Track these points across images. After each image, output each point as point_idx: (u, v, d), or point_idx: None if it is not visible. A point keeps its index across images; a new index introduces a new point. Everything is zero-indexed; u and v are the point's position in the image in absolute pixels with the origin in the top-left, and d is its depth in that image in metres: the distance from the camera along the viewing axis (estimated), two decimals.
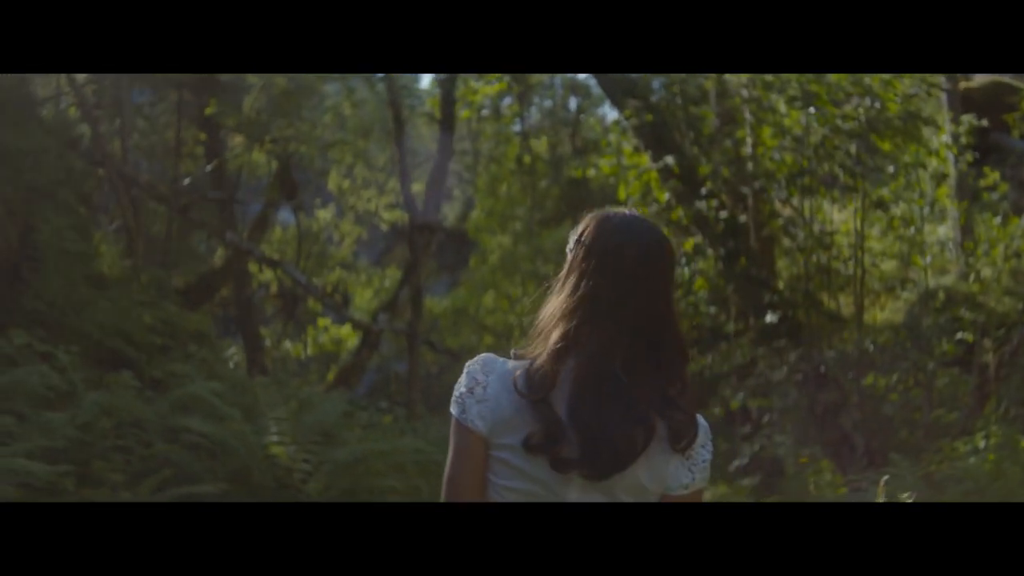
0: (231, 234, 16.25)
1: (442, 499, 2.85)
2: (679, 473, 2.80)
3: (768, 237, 16.99)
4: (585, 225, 2.98)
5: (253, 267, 20.71)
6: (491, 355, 2.90)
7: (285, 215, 23.19)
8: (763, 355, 15.76)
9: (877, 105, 14.48)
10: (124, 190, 14.36)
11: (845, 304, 16.63)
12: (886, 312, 17.69)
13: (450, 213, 30.95)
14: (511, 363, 2.85)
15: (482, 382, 2.82)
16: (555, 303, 2.96)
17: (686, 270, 17.24)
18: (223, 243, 17.80)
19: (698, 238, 17.17)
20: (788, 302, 15.90)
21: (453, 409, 2.83)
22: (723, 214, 16.07)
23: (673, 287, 2.92)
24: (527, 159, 22.83)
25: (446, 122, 17.55)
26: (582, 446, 2.66)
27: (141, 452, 9.52)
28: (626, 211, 2.98)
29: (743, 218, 16.38)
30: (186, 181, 17.51)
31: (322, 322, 24.89)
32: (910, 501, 4.78)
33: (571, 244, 3.01)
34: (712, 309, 17.68)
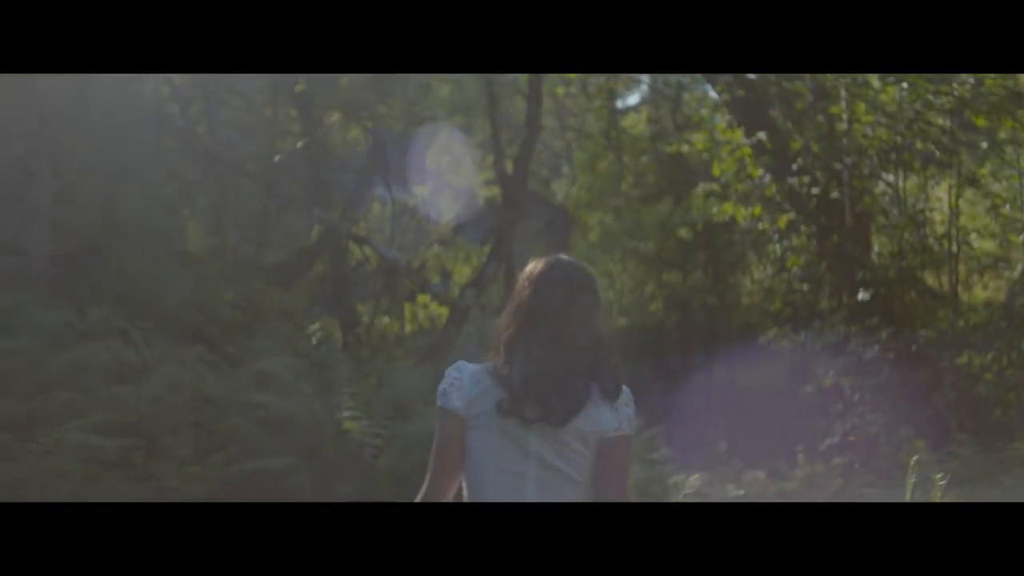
0: (319, 210, 16.28)
1: (429, 468, 3.71)
2: (609, 420, 3.67)
3: (863, 214, 16.63)
4: (532, 266, 3.85)
5: (351, 244, 20.74)
6: (462, 361, 3.83)
7: (384, 192, 23.17)
8: (855, 333, 15.45)
9: (972, 80, 14.08)
10: (212, 167, 14.44)
11: (940, 283, 16.26)
12: (988, 291, 17.29)
13: (559, 190, 30.80)
14: (477, 365, 3.78)
15: (459, 378, 3.74)
16: (504, 319, 3.82)
17: (777, 247, 16.96)
18: (314, 220, 17.83)
19: (792, 214, 16.85)
20: (881, 280, 15.56)
21: (439, 402, 3.72)
22: (815, 190, 15.73)
23: (597, 307, 3.85)
24: (614, 134, 22.56)
25: (533, 96, 17.37)
26: (540, 405, 3.60)
27: (212, 427, 9.57)
28: (562, 256, 3.94)
29: (835, 194, 16.02)
30: (276, 158, 17.57)
31: (422, 299, 24.87)
32: (942, 483, 4.60)
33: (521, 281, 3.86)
34: (805, 286, 17.36)
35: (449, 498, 3.73)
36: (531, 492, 3.60)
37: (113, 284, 11.58)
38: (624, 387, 3.74)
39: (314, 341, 12.57)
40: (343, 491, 9.32)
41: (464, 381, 3.70)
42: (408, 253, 24.85)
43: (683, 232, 24.92)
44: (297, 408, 9.83)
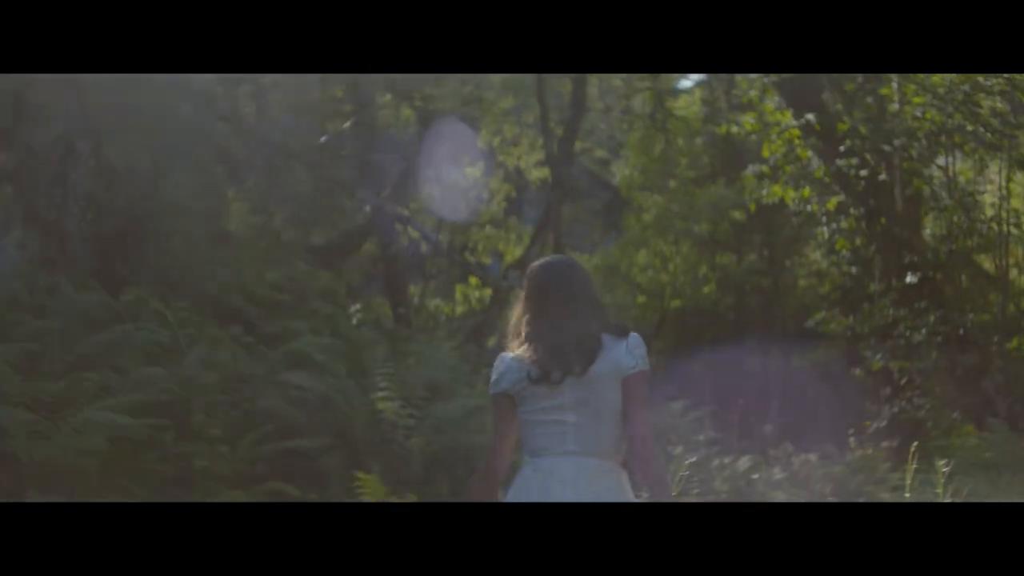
0: (363, 191, 16.29)
1: (491, 440, 4.61)
2: (626, 360, 4.41)
3: (912, 197, 16.41)
4: (531, 268, 4.76)
5: (400, 225, 20.76)
6: (502, 353, 4.60)
7: (434, 173, 23.16)
8: (904, 316, 15.27)
9: None
10: (257, 148, 14.48)
11: (990, 266, 16.02)
12: None
13: (618, 172, 30.65)
14: (507, 354, 4.58)
15: (505, 367, 4.54)
16: (517, 315, 4.67)
17: (824, 229, 16.80)
18: (362, 201, 17.86)
19: (841, 197, 16.68)
20: (930, 263, 15.35)
21: (491, 389, 4.58)
22: (863, 172, 15.54)
23: (589, 281, 4.70)
24: (660, 116, 22.39)
25: (579, 78, 17.29)
26: (562, 365, 4.39)
27: (245, 407, 9.60)
28: (550, 257, 4.88)
29: (884, 177, 15.81)
30: (323, 139, 17.60)
31: (474, 280, 24.85)
32: (945, 470, 4.55)
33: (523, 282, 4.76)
34: (854, 269, 17.17)
35: (508, 460, 4.64)
36: (571, 438, 4.39)
37: (153, 265, 11.66)
38: (632, 332, 4.57)
39: (354, 322, 12.57)
40: (372, 472, 9.32)
41: (509, 368, 4.49)
42: (458, 234, 24.85)
43: (737, 214, 24.69)
44: (330, 389, 9.84)
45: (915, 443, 4.85)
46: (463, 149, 26.30)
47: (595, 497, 4.28)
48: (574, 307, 4.53)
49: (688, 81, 28.37)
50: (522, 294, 4.68)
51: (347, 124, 17.92)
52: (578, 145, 34.54)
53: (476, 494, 4.58)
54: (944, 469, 4.55)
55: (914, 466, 4.27)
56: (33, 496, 7.34)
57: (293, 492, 8.63)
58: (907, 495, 4.74)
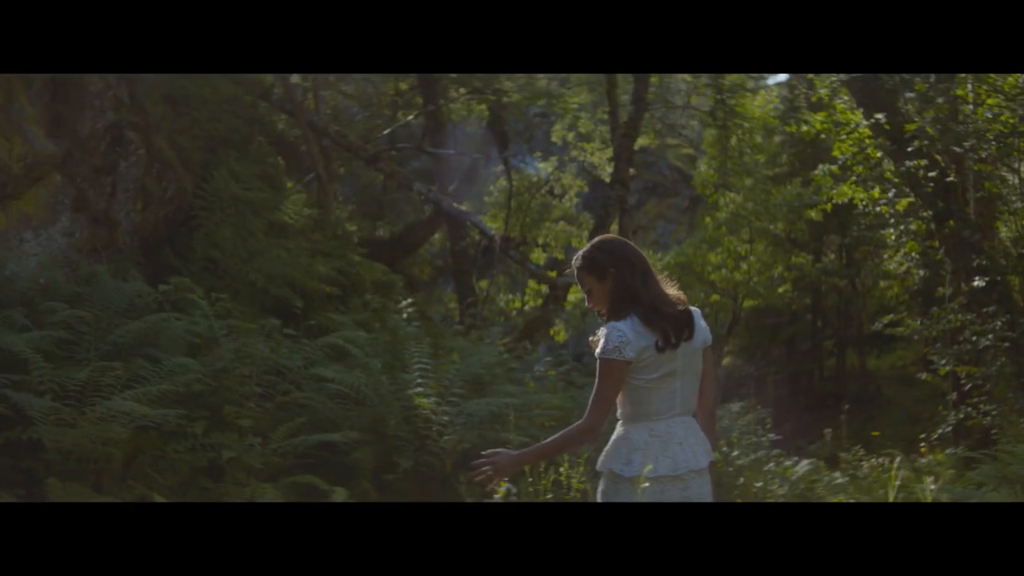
0: (420, 184, 16.27)
1: (596, 406, 4.76)
2: (707, 332, 4.98)
3: (982, 199, 16.05)
4: (609, 246, 4.99)
5: (465, 221, 20.72)
6: (615, 323, 4.78)
7: (504, 167, 23.11)
8: (972, 321, 14.94)
9: None
10: (315, 140, 14.50)
11: None
12: None
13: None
14: (623, 323, 4.78)
15: (626, 337, 4.74)
16: (618, 289, 4.89)
17: (891, 231, 16.50)
18: (415, 193, 17.83)
19: (912, 198, 16.36)
20: (999, 267, 14.99)
21: (614, 355, 4.72)
22: (932, 174, 15.21)
23: (648, 261, 4.96)
24: (720, 114, 22.14)
25: (641, 74, 17.15)
26: (676, 333, 4.81)
27: (279, 399, 9.60)
28: (612, 236, 5.09)
29: (953, 178, 15.46)
30: (386, 131, 17.61)
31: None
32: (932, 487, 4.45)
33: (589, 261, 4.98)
34: (922, 272, 16.85)
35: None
36: (678, 400, 4.88)
37: (200, 255, 11.71)
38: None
39: (405, 315, 12.53)
40: (402, 467, 9.29)
41: (636, 337, 4.75)
42: (529, 229, 24.80)
43: (813, 213, 24.39)
44: (366, 383, 9.82)
45: (899, 457, 4.69)
46: (535, 144, 26.22)
47: (700, 448, 4.91)
48: (663, 280, 5.00)
49: (769, 79, 28.10)
50: (615, 265, 4.89)
51: (411, 116, 17.88)
52: (668, 142, 34.41)
53: (575, 446, 5.07)
54: (932, 487, 4.41)
55: (897, 483, 4.13)
56: (55, 484, 7.38)
57: (322, 486, 8.61)
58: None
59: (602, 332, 4.85)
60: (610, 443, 4.97)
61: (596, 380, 4.81)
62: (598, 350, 4.81)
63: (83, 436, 7.68)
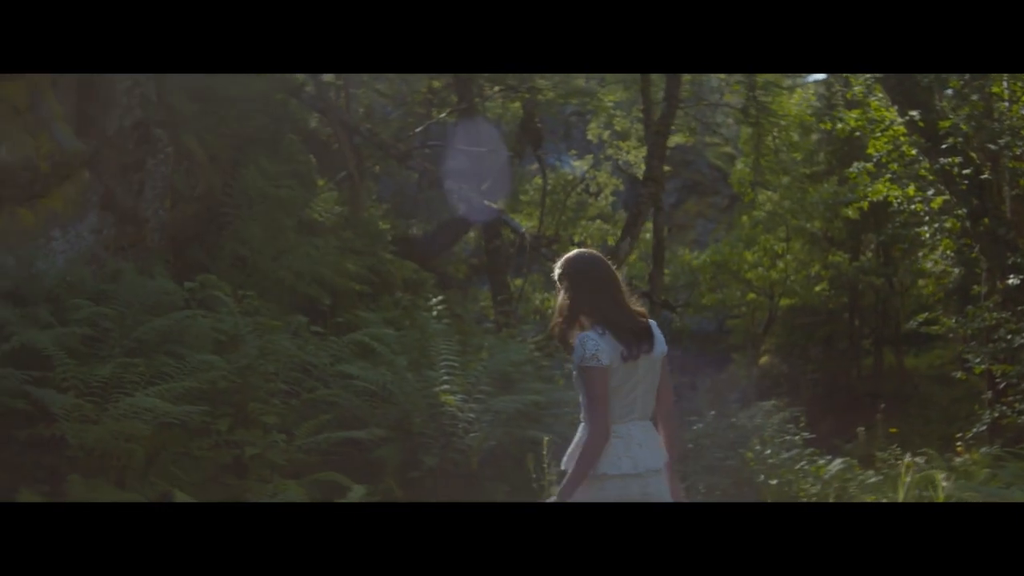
0: (451, 182, 16.24)
1: (593, 410, 5.08)
2: (663, 345, 5.29)
3: (1020, 196, 15.88)
4: (577, 261, 5.35)
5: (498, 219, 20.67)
6: (588, 333, 5.08)
7: (539, 165, 23.04)
8: (1007, 319, 14.79)
9: None
10: (346, 137, 14.52)
11: None
12: None
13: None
14: (592, 333, 5.08)
15: (599, 346, 5.04)
16: (574, 299, 5.25)
17: (925, 229, 16.38)
18: (459, 193, 17.82)
19: (947, 196, 16.21)
20: None
21: (592, 363, 5.02)
22: (966, 171, 15.05)
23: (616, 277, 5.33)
24: (753, 112, 21.99)
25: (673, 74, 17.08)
26: (637, 347, 5.12)
27: (305, 396, 9.59)
28: (584, 250, 5.46)
29: (987, 175, 15.30)
30: (418, 129, 17.60)
31: None
32: (944, 483, 4.41)
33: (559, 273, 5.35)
34: (957, 270, 16.70)
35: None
36: (637, 406, 5.23)
37: (229, 252, 11.73)
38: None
39: (435, 313, 12.49)
40: (427, 465, 9.26)
41: (606, 346, 5.07)
42: (564, 228, 24.73)
43: (850, 212, 24.20)
44: (392, 380, 9.80)
45: (909, 455, 4.66)
46: (570, 141, 26.16)
47: (657, 450, 5.26)
48: (627, 294, 5.32)
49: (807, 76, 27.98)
50: (576, 280, 5.30)
51: (442, 115, 17.86)
52: (707, 140, 34.26)
53: (597, 455, 5.13)
54: (944, 483, 4.36)
55: (907, 479, 4.09)
56: (77, 481, 7.40)
57: (345, 483, 8.60)
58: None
59: (576, 341, 5.16)
60: (573, 444, 5.32)
61: (583, 389, 5.17)
62: (575, 360, 5.14)
63: (105, 433, 7.69)
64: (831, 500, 12.13)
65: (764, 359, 29.90)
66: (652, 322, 5.33)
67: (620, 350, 5.13)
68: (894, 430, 17.28)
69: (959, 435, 16.66)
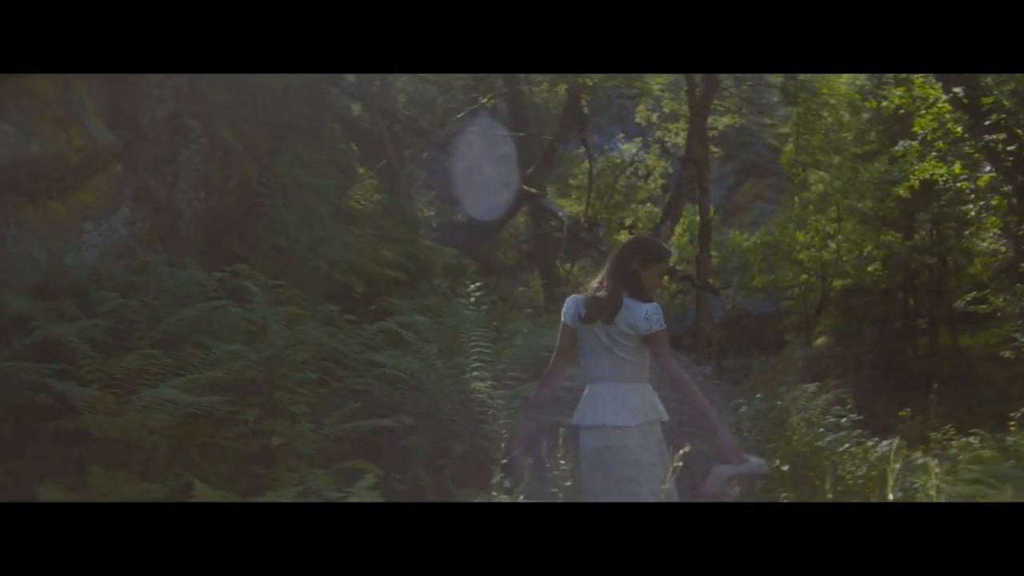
0: (494, 168, 16.22)
1: (551, 358, 6.80)
2: (641, 323, 6.16)
3: None
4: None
5: (560, 202, 20.65)
6: (572, 295, 6.64)
7: (585, 149, 22.95)
8: None
9: None
10: (384, 125, 14.53)
11: None
12: None
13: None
14: (576, 295, 6.57)
15: (568, 305, 6.55)
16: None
17: (971, 207, 16.17)
18: (503, 179, 17.79)
19: (993, 173, 16.01)
20: None
21: (562, 319, 6.57)
22: (1011, 147, 14.85)
23: (632, 259, 6.40)
24: (792, 88, 21.77)
25: None
26: (596, 312, 6.29)
27: (335, 385, 9.61)
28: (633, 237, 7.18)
29: None
30: (460, 115, 17.60)
31: None
32: (936, 469, 4.37)
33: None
34: (1003, 247, 16.51)
35: (562, 376, 6.90)
36: (605, 363, 6.35)
37: (265, 242, 11.77)
38: (653, 303, 6.26)
39: (472, 299, 12.48)
40: (456, 452, 9.26)
41: (571, 305, 6.53)
42: (613, 211, 24.67)
43: (900, 191, 23.94)
44: (422, 368, 9.79)
45: (896, 439, 4.63)
46: (619, 125, 26.02)
47: (623, 409, 6.18)
48: (613, 275, 6.40)
49: None
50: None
51: (485, 100, 17.84)
52: (764, 122, 33.99)
53: (539, 390, 7.00)
54: (936, 470, 4.30)
55: (896, 466, 4.04)
56: (98, 472, 7.45)
57: (375, 471, 8.59)
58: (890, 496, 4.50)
59: None
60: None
61: None
62: None
63: (128, 424, 7.74)
64: (874, 482, 12.03)
65: (819, 340, 29.70)
66: (648, 304, 6.27)
67: (580, 312, 6.42)
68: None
69: (1012, 415, 16.51)
